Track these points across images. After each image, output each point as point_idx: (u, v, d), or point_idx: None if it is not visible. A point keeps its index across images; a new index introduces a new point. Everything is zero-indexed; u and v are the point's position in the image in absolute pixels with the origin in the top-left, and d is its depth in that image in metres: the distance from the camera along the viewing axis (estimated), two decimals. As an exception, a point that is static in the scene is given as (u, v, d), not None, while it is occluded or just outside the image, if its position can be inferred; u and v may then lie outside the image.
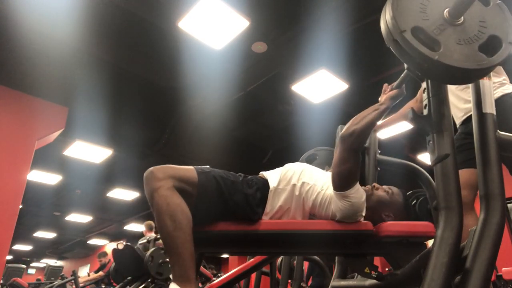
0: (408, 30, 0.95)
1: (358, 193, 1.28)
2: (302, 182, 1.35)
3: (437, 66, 0.92)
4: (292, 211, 1.33)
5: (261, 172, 1.44)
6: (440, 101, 1.09)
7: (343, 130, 1.30)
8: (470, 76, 0.96)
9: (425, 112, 1.11)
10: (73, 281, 5.63)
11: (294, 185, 1.34)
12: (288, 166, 1.42)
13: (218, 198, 1.24)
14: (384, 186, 1.46)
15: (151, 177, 1.18)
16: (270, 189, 1.33)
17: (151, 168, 1.20)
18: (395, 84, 1.40)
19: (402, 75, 1.37)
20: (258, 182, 1.34)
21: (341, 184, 1.27)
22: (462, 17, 0.97)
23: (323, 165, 2.14)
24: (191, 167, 1.27)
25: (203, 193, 1.22)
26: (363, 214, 1.30)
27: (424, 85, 1.14)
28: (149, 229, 5.47)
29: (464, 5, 0.94)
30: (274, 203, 1.32)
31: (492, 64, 0.93)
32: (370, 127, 1.29)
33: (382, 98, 1.41)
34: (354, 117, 1.32)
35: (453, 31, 0.96)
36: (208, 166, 1.31)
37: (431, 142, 1.05)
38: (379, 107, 1.34)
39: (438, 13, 0.98)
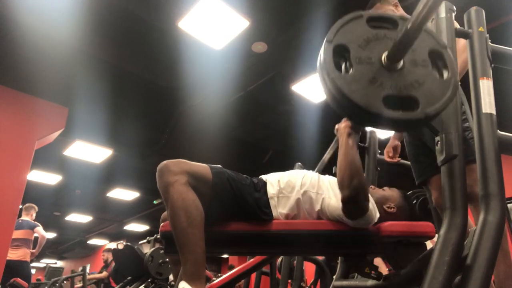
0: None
1: (371, 213, 1.24)
2: (304, 191, 1.32)
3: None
4: (301, 217, 1.31)
5: (261, 176, 1.42)
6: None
7: (342, 192, 1.21)
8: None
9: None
10: (81, 276, 5.67)
11: (297, 192, 1.31)
12: (287, 174, 1.39)
13: (231, 199, 1.22)
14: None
15: (166, 170, 1.15)
16: (269, 196, 1.31)
17: (165, 162, 1.17)
18: None
19: None
20: (262, 186, 1.33)
21: (354, 216, 1.23)
22: (402, 61, 0.92)
23: None
24: (205, 164, 1.25)
25: (217, 194, 1.20)
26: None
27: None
28: None
29: (402, 50, 0.89)
30: (279, 211, 1.29)
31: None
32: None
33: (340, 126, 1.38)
34: (344, 167, 1.22)
35: (389, 77, 0.90)
36: (220, 166, 1.29)
37: (439, 142, 1.04)
38: (349, 139, 1.28)
39: (377, 57, 0.93)
